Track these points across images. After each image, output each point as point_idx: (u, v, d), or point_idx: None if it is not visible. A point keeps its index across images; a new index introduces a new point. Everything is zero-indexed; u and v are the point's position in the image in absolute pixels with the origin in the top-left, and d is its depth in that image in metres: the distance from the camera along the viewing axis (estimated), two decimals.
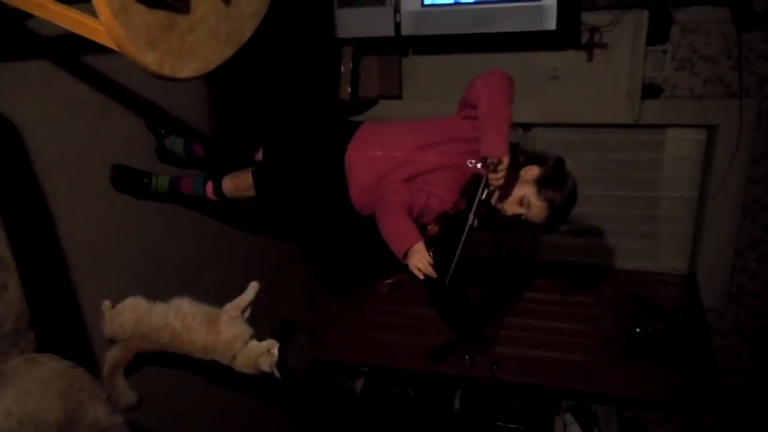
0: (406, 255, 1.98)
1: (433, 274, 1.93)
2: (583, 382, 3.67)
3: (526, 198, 2.14)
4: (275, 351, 2.22)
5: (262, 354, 2.22)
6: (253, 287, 2.34)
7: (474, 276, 4.03)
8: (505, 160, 1.98)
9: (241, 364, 2.26)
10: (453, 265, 2.05)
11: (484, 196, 2.04)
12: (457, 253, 2.05)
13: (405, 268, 1.98)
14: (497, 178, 2.00)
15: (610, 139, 4.14)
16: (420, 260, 1.93)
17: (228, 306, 2.32)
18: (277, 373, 2.23)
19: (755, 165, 3.79)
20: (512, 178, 2.16)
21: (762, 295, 4.06)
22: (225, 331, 2.26)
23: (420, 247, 1.96)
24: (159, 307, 2.33)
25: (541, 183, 2.13)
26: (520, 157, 2.22)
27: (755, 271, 4.03)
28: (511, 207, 2.17)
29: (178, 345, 2.32)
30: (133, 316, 2.32)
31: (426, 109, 3.90)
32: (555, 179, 2.14)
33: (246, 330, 2.28)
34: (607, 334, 3.85)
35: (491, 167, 1.97)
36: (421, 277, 1.93)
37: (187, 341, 2.29)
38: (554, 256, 4.55)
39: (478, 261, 4.35)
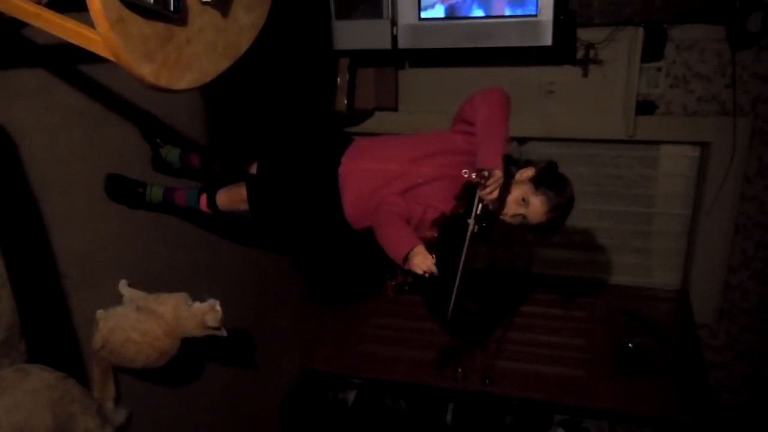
0: (406, 259, 1.97)
1: (436, 273, 1.92)
2: (576, 397, 3.66)
3: (524, 197, 2.15)
4: (218, 307, 2.29)
5: (208, 311, 2.28)
6: (122, 284, 2.44)
7: (469, 289, 4.04)
8: (498, 173, 1.98)
9: (190, 327, 2.29)
10: (459, 277, 2.05)
11: (479, 211, 2.04)
12: (462, 261, 2.05)
13: (407, 272, 1.97)
14: (488, 192, 2.00)
15: (604, 154, 4.16)
16: (423, 261, 1.92)
17: (141, 301, 2.37)
18: (223, 332, 2.30)
19: (748, 182, 3.81)
20: (509, 184, 2.17)
21: (754, 312, 4.07)
22: (165, 309, 2.30)
23: (420, 249, 1.95)
24: (124, 320, 2.32)
25: (536, 181, 2.15)
26: (512, 168, 2.23)
27: (748, 289, 4.05)
28: (510, 208, 2.17)
29: (145, 355, 2.30)
30: (107, 325, 2.30)
31: (422, 122, 3.92)
32: (550, 176, 2.17)
33: (177, 295, 2.35)
34: (599, 349, 3.85)
35: (483, 180, 1.97)
36: (433, 273, 1.91)
37: (149, 345, 2.28)
38: (548, 270, 4.56)
39: (473, 274, 4.34)
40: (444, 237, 2.08)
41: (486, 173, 1.97)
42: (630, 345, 3.76)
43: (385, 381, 3.98)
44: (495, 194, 2.01)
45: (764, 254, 3.95)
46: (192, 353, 2.48)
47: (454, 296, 2.08)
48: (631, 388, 3.61)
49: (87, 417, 1.65)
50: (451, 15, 3.42)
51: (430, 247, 2.00)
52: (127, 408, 2.44)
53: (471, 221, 2.03)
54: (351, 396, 4.30)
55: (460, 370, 3.79)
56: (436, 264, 1.93)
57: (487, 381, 3.73)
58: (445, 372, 3.83)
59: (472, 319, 4.00)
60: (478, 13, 3.38)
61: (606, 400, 3.62)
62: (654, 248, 4.34)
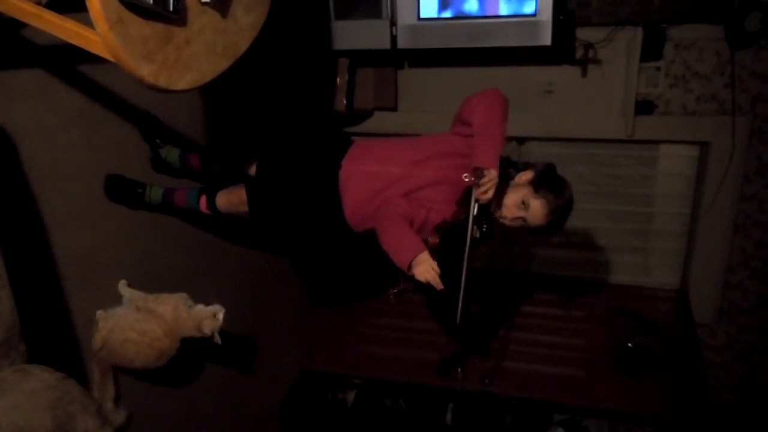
0: (410, 266, 1.97)
1: (440, 286, 1.93)
2: (575, 397, 3.65)
3: (524, 200, 2.15)
4: (220, 316, 2.30)
5: (207, 317, 2.29)
6: (121, 284, 2.44)
7: (468, 289, 4.04)
8: (493, 172, 1.98)
9: (188, 327, 2.30)
10: (463, 283, 2.05)
11: (476, 212, 2.03)
12: (464, 269, 2.05)
13: (410, 278, 1.97)
14: (482, 192, 1.99)
15: (603, 154, 4.16)
16: (427, 271, 1.93)
17: (141, 302, 2.37)
18: (218, 339, 2.31)
19: (747, 182, 3.81)
20: (507, 186, 2.17)
21: (753, 311, 4.08)
22: (164, 309, 2.31)
23: (425, 256, 1.96)
24: (123, 321, 2.32)
25: (536, 183, 2.15)
26: (511, 171, 2.23)
27: (747, 288, 4.05)
28: (510, 211, 2.17)
29: (144, 355, 2.30)
30: (106, 326, 2.30)
31: (421, 122, 3.93)
32: (549, 178, 2.17)
33: (177, 296, 2.35)
34: (599, 349, 3.85)
35: (477, 180, 1.97)
36: (437, 285, 1.92)
37: (148, 345, 2.28)
38: (547, 270, 4.56)
39: (472, 274, 4.34)
40: (446, 243, 2.08)
41: (481, 172, 1.97)
42: (630, 345, 3.76)
43: (385, 381, 3.98)
44: (490, 194, 2.00)
45: (763, 253, 3.96)
46: (192, 353, 2.48)
47: (461, 302, 2.08)
48: (631, 388, 3.61)
49: (87, 417, 1.65)
50: (444, 7, 3.43)
51: (433, 253, 2.00)
52: (127, 408, 2.44)
53: (469, 224, 2.03)
54: (351, 396, 4.30)
55: (460, 370, 3.79)
56: (439, 268, 1.94)
57: (487, 381, 3.72)
58: (445, 372, 3.83)
59: (475, 323, 3.99)
60: (473, 5, 3.38)
61: (606, 400, 3.62)
62: (653, 248, 4.35)
